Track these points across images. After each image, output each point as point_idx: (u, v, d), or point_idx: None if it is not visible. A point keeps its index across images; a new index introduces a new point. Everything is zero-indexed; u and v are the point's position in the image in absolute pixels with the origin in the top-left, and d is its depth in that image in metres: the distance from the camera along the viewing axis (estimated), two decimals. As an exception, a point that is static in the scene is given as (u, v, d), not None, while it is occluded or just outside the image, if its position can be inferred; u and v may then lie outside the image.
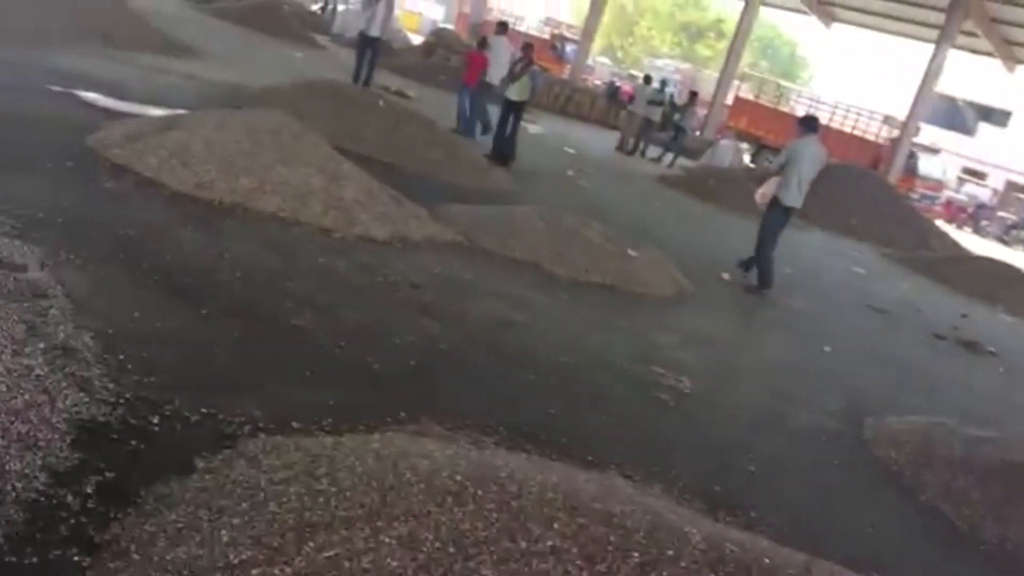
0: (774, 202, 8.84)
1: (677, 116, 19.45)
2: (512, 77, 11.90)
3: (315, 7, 29.97)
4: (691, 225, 12.38)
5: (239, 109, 7.53)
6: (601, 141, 20.44)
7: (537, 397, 4.53)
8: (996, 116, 43.29)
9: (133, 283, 4.32)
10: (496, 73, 13.04)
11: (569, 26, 38.52)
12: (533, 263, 7.09)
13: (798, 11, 27.89)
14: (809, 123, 9.19)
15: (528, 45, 12.54)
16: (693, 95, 20.26)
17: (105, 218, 5.07)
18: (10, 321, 3.33)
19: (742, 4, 29.30)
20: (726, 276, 9.15)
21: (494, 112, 12.58)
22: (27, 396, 2.87)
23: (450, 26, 36.41)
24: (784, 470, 4.71)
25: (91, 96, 7.72)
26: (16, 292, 3.64)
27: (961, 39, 22.26)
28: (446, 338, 4.92)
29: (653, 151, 19.86)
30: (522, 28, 37.18)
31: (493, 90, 13.13)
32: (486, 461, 2.98)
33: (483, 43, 14.06)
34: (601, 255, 7.58)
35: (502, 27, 14.32)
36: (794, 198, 8.79)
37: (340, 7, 29.64)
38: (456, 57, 21.77)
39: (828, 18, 27.43)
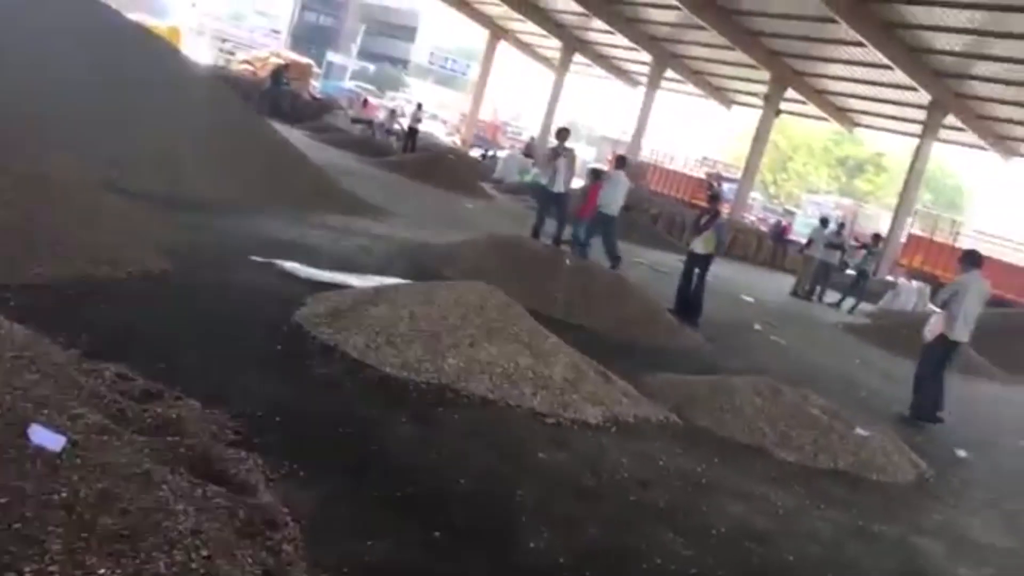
0: (940, 337, 8.95)
1: (861, 260, 18.48)
2: (698, 229, 11.43)
3: (477, 154, 30.89)
4: (896, 386, 11.28)
5: (439, 280, 7.28)
6: (773, 285, 19.63)
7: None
8: None
9: (358, 499, 3.90)
10: (611, 204, 13.15)
11: (726, 165, 38.24)
12: (757, 447, 6.37)
13: (975, 146, 26.61)
14: (972, 258, 9.36)
15: (714, 196, 12.12)
16: (876, 237, 19.26)
17: (321, 413, 4.75)
18: (247, 567, 2.93)
19: (902, 138, 28.33)
20: (962, 454, 8.12)
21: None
22: None
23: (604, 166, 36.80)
24: None
25: (290, 265, 7.67)
26: (248, 523, 3.25)
27: None
28: (696, 560, 4.24)
29: (830, 295, 18.84)
30: (673, 167, 37.23)
31: (613, 222, 13.24)
32: None
33: (597, 175, 14.57)
34: (828, 435, 6.77)
35: (620, 161, 14.53)
36: (961, 333, 8.95)
37: (500, 153, 30.54)
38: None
39: (1008, 152, 26.05)
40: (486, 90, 40.67)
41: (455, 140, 37.27)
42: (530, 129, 43.12)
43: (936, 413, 8.97)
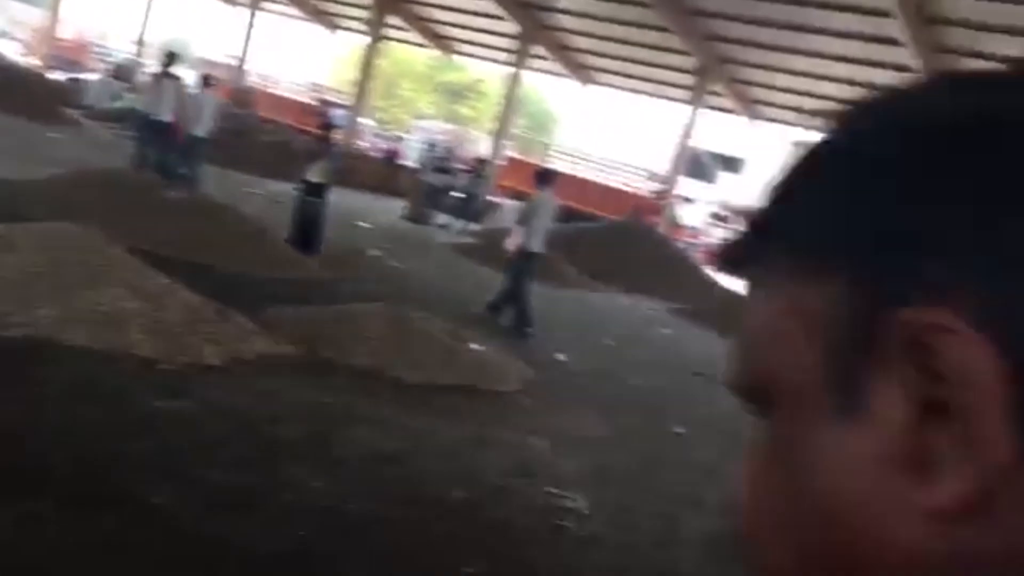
0: (520, 251, 9.78)
1: (467, 183, 19.46)
2: (311, 158, 11.24)
3: (61, 77, 27.59)
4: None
5: (24, 222, 6.44)
6: (386, 209, 20.02)
7: (451, 553, 4.01)
8: (732, 164, 47.32)
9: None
10: (196, 125, 12.79)
11: (335, 91, 37.98)
12: (384, 372, 6.52)
13: (558, 74, 28.94)
14: (545, 178, 10.45)
15: (327, 124, 11.96)
16: (480, 160, 20.35)
17: None
18: None
19: (497, 67, 30.08)
20: (561, 357, 8.98)
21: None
22: None
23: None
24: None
25: None
26: None
27: (707, 98, 23.90)
28: (328, 491, 4.28)
29: (441, 218, 19.68)
30: (281, 92, 36.29)
31: (203, 144, 12.94)
32: None
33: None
34: (448, 353, 7.14)
35: (206, 80, 14.18)
36: (539, 245, 9.88)
37: (90, 77, 27.64)
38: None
39: (586, 80, 28.69)
40: (66, 5, 36.23)
41: (32, 61, 32.90)
42: (122, 51, 39.32)
43: (527, 318, 9.76)
